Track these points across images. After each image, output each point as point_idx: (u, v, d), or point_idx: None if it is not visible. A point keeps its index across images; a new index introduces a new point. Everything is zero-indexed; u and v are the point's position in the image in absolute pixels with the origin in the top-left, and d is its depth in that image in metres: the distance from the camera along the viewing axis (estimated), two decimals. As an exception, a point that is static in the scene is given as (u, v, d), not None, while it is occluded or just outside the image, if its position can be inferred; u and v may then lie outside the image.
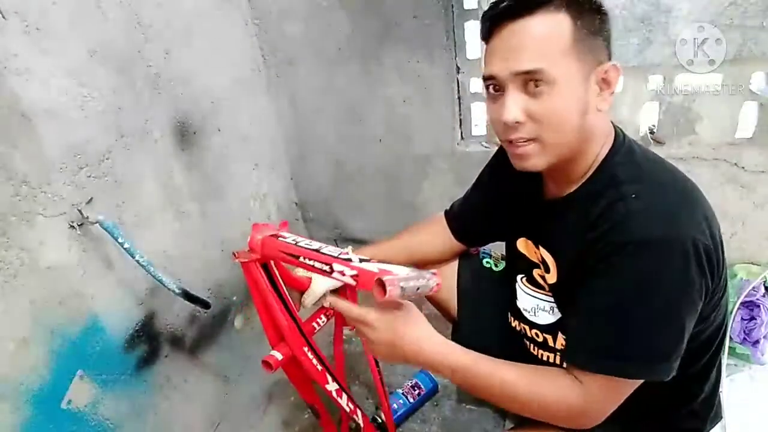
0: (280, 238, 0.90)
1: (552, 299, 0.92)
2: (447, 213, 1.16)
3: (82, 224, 0.93)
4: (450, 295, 1.20)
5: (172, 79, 1.18)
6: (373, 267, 0.74)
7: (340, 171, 1.77)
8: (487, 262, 1.21)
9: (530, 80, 0.69)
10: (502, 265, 1.19)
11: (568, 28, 0.69)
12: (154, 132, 1.13)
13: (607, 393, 0.73)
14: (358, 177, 1.75)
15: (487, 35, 0.74)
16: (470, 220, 1.12)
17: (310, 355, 1.00)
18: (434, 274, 0.73)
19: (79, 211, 0.93)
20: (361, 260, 0.77)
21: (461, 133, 1.62)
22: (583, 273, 0.75)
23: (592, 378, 0.73)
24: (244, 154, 1.50)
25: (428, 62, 1.49)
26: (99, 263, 0.98)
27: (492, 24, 0.72)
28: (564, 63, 0.69)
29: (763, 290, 1.40)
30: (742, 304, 1.39)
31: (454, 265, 1.21)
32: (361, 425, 1.15)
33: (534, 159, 0.75)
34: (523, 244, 0.98)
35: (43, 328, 0.88)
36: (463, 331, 1.19)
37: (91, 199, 0.95)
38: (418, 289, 0.69)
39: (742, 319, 1.39)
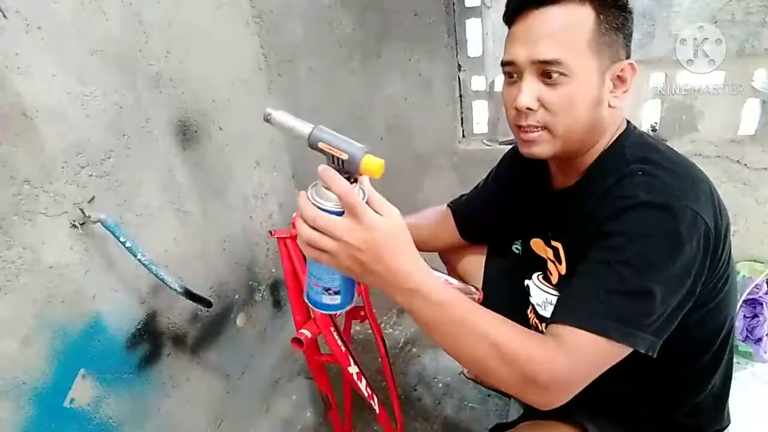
0: None
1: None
2: (452, 208, 1.16)
3: (84, 223, 0.93)
4: (477, 277, 1.20)
5: (173, 78, 1.18)
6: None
7: (341, 169, 1.77)
8: (516, 249, 1.21)
9: (548, 70, 0.71)
10: None
11: (591, 21, 0.70)
12: (156, 131, 1.13)
13: (589, 355, 0.66)
14: (359, 175, 1.75)
15: (509, 20, 0.75)
16: (477, 217, 1.12)
17: (335, 334, 1.02)
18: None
19: (81, 210, 0.93)
20: None
21: (463, 131, 1.62)
22: (587, 246, 0.72)
23: (575, 336, 0.66)
24: (245, 153, 1.50)
25: (429, 60, 1.49)
26: (101, 262, 0.98)
27: (516, 9, 0.73)
28: (583, 56, 0.70)
29: (765, 288, 1.40)
30: (745, 301, 1.38)
31: (483, 248, 1.21)
32: (377, 411, 1.17)
33: (541, 146, 0.77)
34: (536, 244, 0.98)
35: (46, 327, 0.88)
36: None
37: (93, 198, 0.96)
38: None
39: (744, 316, 1.39)
